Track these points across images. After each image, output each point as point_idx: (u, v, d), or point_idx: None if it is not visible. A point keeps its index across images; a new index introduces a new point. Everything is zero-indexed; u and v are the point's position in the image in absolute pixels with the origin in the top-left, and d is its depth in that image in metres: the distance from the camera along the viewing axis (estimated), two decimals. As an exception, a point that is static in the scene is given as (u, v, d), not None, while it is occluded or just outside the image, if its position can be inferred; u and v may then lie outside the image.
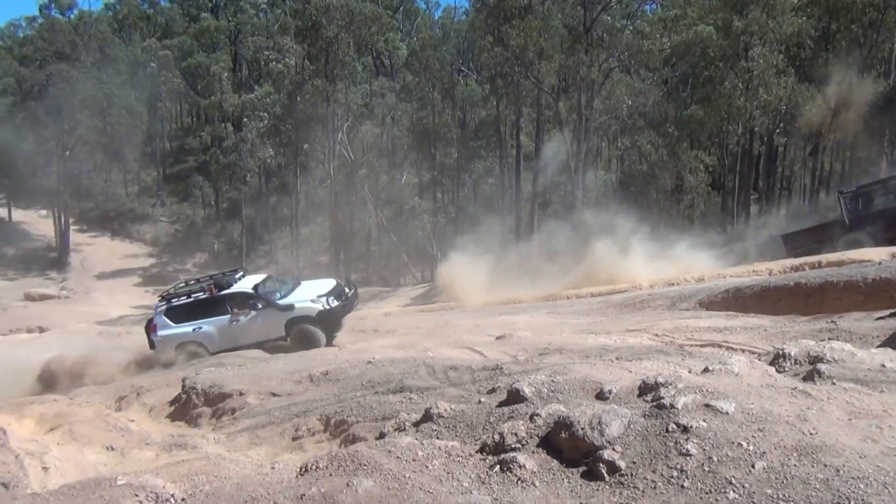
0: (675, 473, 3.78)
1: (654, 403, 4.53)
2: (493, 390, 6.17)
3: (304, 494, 4.11)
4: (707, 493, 3.58)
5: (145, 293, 40.89)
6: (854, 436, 3.98)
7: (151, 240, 51.72)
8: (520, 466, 4.26)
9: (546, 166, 34.66)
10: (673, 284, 16.94)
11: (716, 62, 31.86)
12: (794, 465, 3.61)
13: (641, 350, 8.01)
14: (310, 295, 15.61)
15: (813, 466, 3.58)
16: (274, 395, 9.15)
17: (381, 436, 5.89)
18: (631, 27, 37.99)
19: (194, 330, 16.19)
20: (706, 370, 5.29)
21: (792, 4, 30.67)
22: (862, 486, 3.34)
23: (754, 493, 3.49)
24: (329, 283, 16.32)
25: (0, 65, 49.81)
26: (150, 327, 16.64)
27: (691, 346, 8.49)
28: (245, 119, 39.99)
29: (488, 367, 7.57)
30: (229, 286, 16.29)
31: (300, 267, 40.14)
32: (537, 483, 4.12)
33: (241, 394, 9.40)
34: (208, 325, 16.15)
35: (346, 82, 34.55)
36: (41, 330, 30.13)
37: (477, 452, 4.69)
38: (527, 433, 4.64)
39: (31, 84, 45.27)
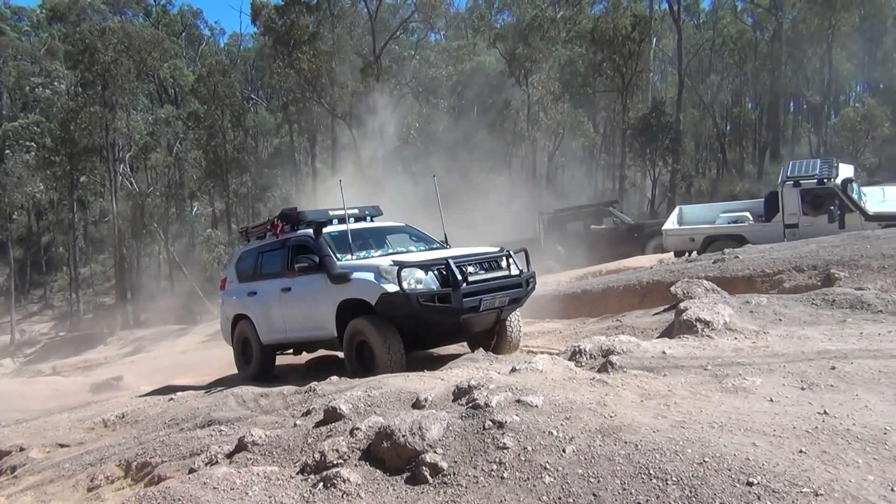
0: (494, 466, 3.94)
1: (470, 405, 4.70)
2: (308, 412, 6.06)
3: (111, 540, 3.79)
4: (525, 480, 3.76)
5: None
6: (646, 414, 4.38)
7: None
8: (344, 480, 4.22)
9: (345, 193, 34.60)
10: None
11: (500, 89, 33.87)
12: (600, 446, 3.90)
13: (449, 359, 8.30)
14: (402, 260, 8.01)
15: (615, 445, 3.88)
16: (62, 445, 8.36)
17: (192, 471, 5.57)
18: (418, 57, 39.43)
19: (245, 296, 10.04)
20: (514, 370, 5.58)
21: (564, 37, 33.39)
22: (657, 457, 3.68)
23: (567, 474, 3.72)
24: (467, 250, 8.56)
25: None
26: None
27: (496, 353, 8.90)
28: (8, 151, 36.33)
29: (301, 391, 7.44)
30: (302, 222, 9.59)
31: (80, 311, 36.99)
32: (363, 494, 4.10)
33: (21, 449, 8.49)
34: (260, 294, 9.78)
35: (127, 110, 32.48)
36: None
37: (298, 474, 4.58)
38: (348, 448, 4.61)
39: None
